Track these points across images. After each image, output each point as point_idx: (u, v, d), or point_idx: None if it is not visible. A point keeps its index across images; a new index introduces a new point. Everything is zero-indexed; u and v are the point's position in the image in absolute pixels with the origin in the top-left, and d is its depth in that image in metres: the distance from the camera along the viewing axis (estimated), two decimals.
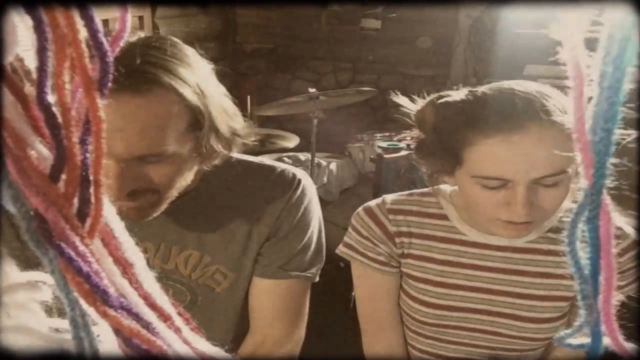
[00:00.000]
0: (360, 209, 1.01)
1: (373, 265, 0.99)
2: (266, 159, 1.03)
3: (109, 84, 0.29)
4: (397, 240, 0.97)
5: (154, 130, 0.75)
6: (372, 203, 1.01)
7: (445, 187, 1.00)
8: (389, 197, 1.01)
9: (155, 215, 0.84)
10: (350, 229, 1.01)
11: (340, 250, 1.02)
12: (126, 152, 0.74)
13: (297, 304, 1.01)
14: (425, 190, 1.01)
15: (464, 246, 0.96)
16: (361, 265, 1.00)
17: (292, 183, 0.97)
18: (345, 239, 1.02)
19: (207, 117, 0.79)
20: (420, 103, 0.92)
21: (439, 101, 0.88)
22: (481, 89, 0.84)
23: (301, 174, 1.00)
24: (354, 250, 1.00)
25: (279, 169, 0.98)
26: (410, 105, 0.93)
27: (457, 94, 0.87)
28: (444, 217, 0.98)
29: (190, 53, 0.81)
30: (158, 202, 0.83)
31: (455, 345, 1.00)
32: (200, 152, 0.83)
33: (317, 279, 1.02)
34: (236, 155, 0.97)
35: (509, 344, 0.97)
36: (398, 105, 0.94)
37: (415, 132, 0.93)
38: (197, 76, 0.79)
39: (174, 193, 0.84)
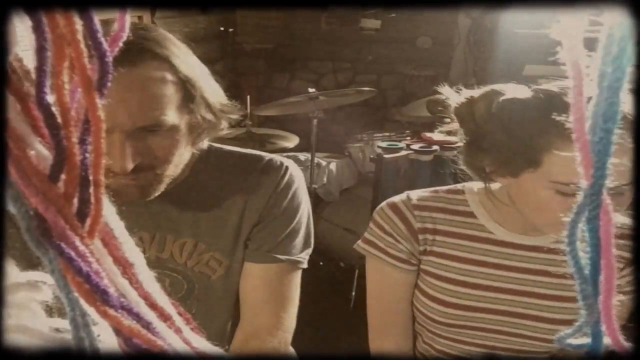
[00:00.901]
0: (383, 204, 0.99)
1: (392, 262, 0.97)
2: (254, 150, 1.06)
3: (108, 85, 0.29)
4: (421, 237, 0.96)
5: (153, 100, 0.79)
6: (397, 199, 0.99)
7: (472, 185, 0.98)
8: (414, 193, 0.99)
9: (155, 194, 0.87)
10: (372, 225, 1.00)
11: (360, 245, 1.00)
12: (130, 122, 0.77)
13: (287, 289, 1.01)
14: (450, 187, 1.00)
15: (491, 245, 0.94)
16: (379, 262, 0.98)
17: (280, 170, 1.00)
18: (366, 234, 1.00)
19: (198, 88, 0.83)
20: (465, 95, 0.89)
21: (504, 98, 0.83)
22: (541, 89, 0.81)
23: (288, 162, 1.03)
24: (374, 246, 0.98)
25: (267, 157, 1.02)
26: (454, 97, 0.90)
27: (521, 91, 0.83)
28: (472, 215, 0.96)
29: (167, 34, 0.85)
30: (157, 180, 0.85)
31: (472, 347, 0.98)
32: (193, 126, 0.87)
33: (306, 265, 1.02)
34: (225, 146, 1.02)
35: (527, 345, 0.96)
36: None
37: (454, 125, 0.90)
38: (184, 53, 0.85)
39: (172, 170, 0.87)
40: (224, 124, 0.92)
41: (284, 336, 1.00)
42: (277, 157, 1.03)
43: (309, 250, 1.04)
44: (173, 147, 0.84)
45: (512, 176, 0.84)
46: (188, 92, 0.83)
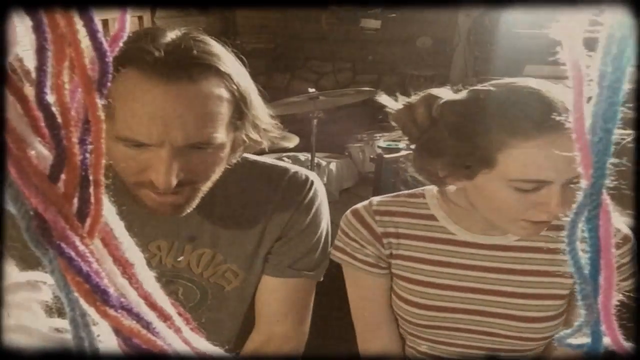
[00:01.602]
0: (348, 211, 1.01)
1: (361, 266, 0.99)
2: (280, 161, 1.05)
3: (108, 85, 0.29)
4: (385, 241, 0.97)
5: (210, 118, 0.77)
6: (359, 205, 1.01)
7: (431, 188, 0.99)
8: (376, 199, 1.00)
9: (188, 211, 0.84)
10: (339, 232, 1.02)
11: (333, 254, 1.02)
12: (184, 139, 0.75)
13: (304, 302, 1.02)
14: (411, 191, 1.01)
15: (453, 246, 0.96)
16: (351, 267, 1.00)
17: (305, 185, 0.98)
18: (335, 241, 1.02)
19: (250, 107, 0.82)
20: (403, 102, 0.89)
21: (443, 101, 0.84)
22: (498, 88, 0.81)
23: (313, 176, 1.01)
24: (344, 253, 1.00)
25: (292, 171, 0.99)
26: (393, 105, 0.90)
27: (457, 94, 0.85)
28: (432, 218, 0.97)
29: (220, 46, 0.83)
30: (193, 197, 0.83)
31: (452, 347, 0.99)
32: (237, 143, 0.85)
33: (322, 278, 1.03)
34: (250, 155, 0.99)
35: (505, 344, 0.97)
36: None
37: (397, 134, 0.92)
38: (240, 70, 0.82)
39: (208, 185, 0.85)
40: (266, 143, 0.91)
41: (298, 346, 1.02)
42: (302, 171, 1.00)
43: (325, 265, 1.03)
44: (216, 164, 0.82)
45: (467, 179, 0.84)
46: (240, 110, 0.81)
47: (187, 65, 0.74)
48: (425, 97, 0.87)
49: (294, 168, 1.01)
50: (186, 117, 0.74)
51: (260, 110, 0.86)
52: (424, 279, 0.97)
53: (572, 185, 0.78)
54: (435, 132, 0.84)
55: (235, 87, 0.79)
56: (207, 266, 0.96)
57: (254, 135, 0.86)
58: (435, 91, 0.87)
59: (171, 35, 0.77)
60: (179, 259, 0.94)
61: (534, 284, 0.93)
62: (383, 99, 0.93)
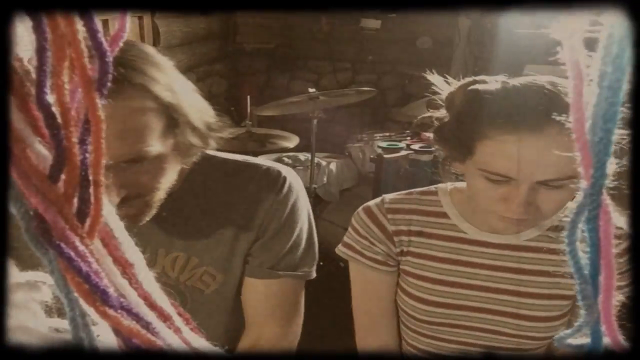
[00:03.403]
0: (360, 208, 1.01)
1: (369, 264, 0.99)
2: (250, 157, 1.02)
3: (108, 85, 0.29)
4: (396, 239, 0.98)
5: (133, 132, 0.74)
6: (372, 203, 1.01)
7: (446, 186, 1.01)
8: (388, 197, 1.01)
9: (146, 220, 0.83)
10: (349, 229, 1.02)
11: (339, 249, 1.02)
12: (113, 157, 0.72)
13: (291, 302, 1.00)
14: (424, 189, 1.02)
15: (464, 244, 0.96)
16: (358, 264, 1.00)
17: (277, 181, 0.96)
18: (345, 238, 1.02)
19: (181, 113, 0.78)
20: (454, 85, 0.92)
21: (470, 87, 0.87)
22: (513, 82, 0.83)
23: (286, 170, 0.98)
24: (352, 249, 1.00)
25: (264, 167, 0.97)
26: (444, 86, 0.93)
27: (492, 83, 0.85)
28: (444, 215, 0.98)
29: (152, 52, 0.80)
30: (147, 207, 0.82)
31: (455, 345, 0.99)
32: (179, 150, 0.82)
33: (314, 275, 1.01)
34: (219, 154, 0.97)
35: (508, 342, 0.97)
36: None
37: (442, 113, 0.92)
38: (165, 74, 0.78)
39: (161, 195, 0.83)
40: (213, 143, 0.88)
41: (288, 347, 1.00)
42: (274, 166, 0.98)
43: (314, 262, 1.01)
44: (159, 175, 0.80)
45: (460, 162, 0.88)
46: (171, 118, 0.78)
47: None
48: (465, 83, 0.89)
49: (266, 164, 0.98)
50: (107, 136, 0.72)
51: (197, 114, 0.82)
52: (433, 276, 0.97)
53: (550, 188, 0.78)
54: (453, 116, 0.88)
55: (156, 96, 0.75)
56: (183, 270, 0.94)
57: (194, 140, 0.82)
58: (479, 78, 0.89)
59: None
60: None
61: (542, 283, 0.94)
62: (434, 78, 0.93)
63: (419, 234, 0.98)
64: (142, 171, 0.77)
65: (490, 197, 0.83)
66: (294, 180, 0.98)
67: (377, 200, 1.01)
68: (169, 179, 0.83)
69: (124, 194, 0.76)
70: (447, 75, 0.94)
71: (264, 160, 1.00)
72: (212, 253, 0.94)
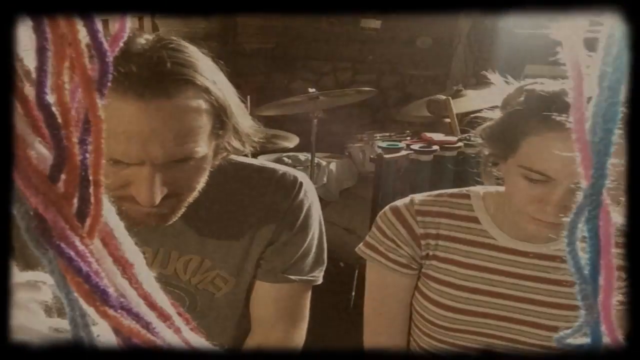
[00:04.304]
0: (387, 208, 0.99)
1: (392, 266, 0.97)
2: (267, 161, 1.02)
3: (108, 85, 0.29)
4: (423, 242, 0.96)
5: (189, 132, 0.74)
6: (400, 203, 0.99)
7: (478, 189, 0.98)
8: (418, 197, 0.98)
9: (174, 219, 0.83)
10: (374, 229, 0.99)
11: (361, 249, 1.00)
12: (164, 157, 0.73)
13: (299, 306, 1.01)
14: (455, 191, 1.00)
15: (492, 250, 0.94)
16: (379, 266, 0.98)
17: (294, 187, 0.96)
18: (368, 238, 1.00)
19: (230, 115, 0.79)
20: (513, 86, 0.91)
21: (528, 86, 0.86)
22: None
23: (302, 176, 0.98)
24: (375, 251, 0.98)
25: (280, 172, 0.97)
26: (502, 86, 0.92)
27: (551, 84, 0.85)
28: (475, 220, 0.96)
29: (206, 54, 0.81)
30: (178, 206, 0.82)
31: (467, 351, 0.98)
32: (217, 152, 0.83)
33: (321, 280, 1.01)
34: (236, 157, 0.96)
35: (527, 352, 0.95)
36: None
37: (495, 114, 0.92)
38: (218, 76, 0.79)
39: (195, 195, 0.83)
40: (248, 148, 0.89)
41: (294, 348, 1.00)
42: (290, 172, 0.98)
43: (322, 268, 1.01)
44: (199, 175, 0.81)
45: (502, 161, 0.87)
46: (220, 120, 0.79)
47: (162, 81, 0.70)
48: (524, 83, 0.89)
49: (282, 169, 0.98)
50: (165, 134, 0.72)
51: (241, 116, 0.84)
52: (457, 282, 0.95)
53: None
54: (505, 112, 0.88)
55: (213, 97, 0.76)
56: (195, 272, 0.93)
57: (235, 143, 0.84)
58: (538, 80, 0.88)
59: (142, 42, 0.73)
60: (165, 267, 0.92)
61: (567, 294, 0.92)
62: (494, 77, 0.93)
63: (447, 238, 0.96)
64: (185, 170, 0.77)
65: (525, 196, 0.82)
66: (309, 187, 0.99)
67: (406, 200, 0.99)
68: (204, 180, 0.84)
69: (164, 193, 0.76)
70: (486, 75, 0.94)
71: (280, 166, 1.00)
72: (226, 256, 0.94)
